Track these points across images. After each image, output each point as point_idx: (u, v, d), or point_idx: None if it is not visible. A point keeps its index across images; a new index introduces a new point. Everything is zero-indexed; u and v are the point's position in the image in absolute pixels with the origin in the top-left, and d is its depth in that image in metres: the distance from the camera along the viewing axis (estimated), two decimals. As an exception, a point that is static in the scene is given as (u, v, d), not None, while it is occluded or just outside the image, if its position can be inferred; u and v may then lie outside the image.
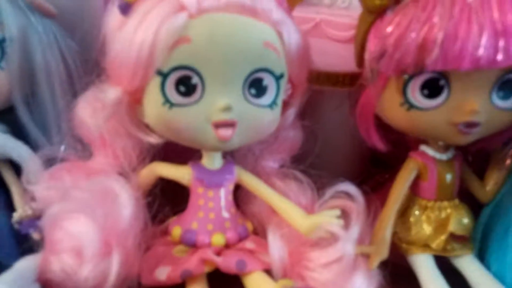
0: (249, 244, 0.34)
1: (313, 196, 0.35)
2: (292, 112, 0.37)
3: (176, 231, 0.34)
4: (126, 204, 0.30)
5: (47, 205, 0.31)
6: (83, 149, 0.36)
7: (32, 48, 0.36)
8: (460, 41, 0.28)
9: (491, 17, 0.27)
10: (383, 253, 0.33)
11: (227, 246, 0.34)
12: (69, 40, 0.39)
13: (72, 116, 0.34)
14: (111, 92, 0.32)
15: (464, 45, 0.27)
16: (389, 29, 0.30)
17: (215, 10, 0.29)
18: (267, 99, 0.32)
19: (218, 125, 0.30)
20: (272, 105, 0.33)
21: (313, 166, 0.38)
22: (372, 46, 0.32)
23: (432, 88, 0.31)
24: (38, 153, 0.35)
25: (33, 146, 0.36)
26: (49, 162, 0.35)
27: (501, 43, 0.28)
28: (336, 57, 0.41)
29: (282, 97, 0.34)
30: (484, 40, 0.27)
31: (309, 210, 0.34)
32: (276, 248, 0.33)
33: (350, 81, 0.40)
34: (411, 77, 0.31)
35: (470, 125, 0.31)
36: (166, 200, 0.35)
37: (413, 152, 0.36)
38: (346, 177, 0.35)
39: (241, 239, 0.34)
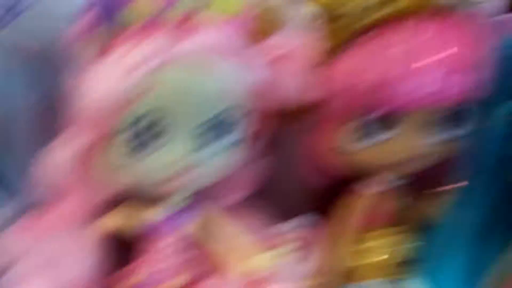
0: (209, 284, 0.35)
1: (271, 230, 0.37)
2: (254, 147, 0.38)
3: (138, 277, 0.35)
4: (89, 255, 0.32)
5: (11, 261, 0.32)
6: (52, 196, 0.37)
7: (10, 94, 0.37)
8: (404, 83, 0.29)
9: (435, 56, 0.28)
10: (337, 282, 0.35)
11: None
12: (45, 85, 0.40)
13: (41, 163, 0.36)
14: (78, 140, 0.33)
15: (408, 86, 0.28)
16: (336, 73, 0.32)
17: (177, 60, 0.30)
18: (230, 138, 0.34)
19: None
20: (235, 143, 0.34)
21: (271, 195, 0.39)
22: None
23: (377, 129, 0.32)
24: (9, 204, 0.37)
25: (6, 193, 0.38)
26: (19, 210, 0.37)
27: (447, 80, 0.29)
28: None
29: (245, 134, 0.35)
30: (429, 79, 0.28)
31: (267, 244, 0.36)
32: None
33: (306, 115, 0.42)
34: (355, 119, 0.33)
35: (414, 159, 0.33)
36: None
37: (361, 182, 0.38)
38: (305, 207, 0.37)
39: (201, 279, 0.36)
